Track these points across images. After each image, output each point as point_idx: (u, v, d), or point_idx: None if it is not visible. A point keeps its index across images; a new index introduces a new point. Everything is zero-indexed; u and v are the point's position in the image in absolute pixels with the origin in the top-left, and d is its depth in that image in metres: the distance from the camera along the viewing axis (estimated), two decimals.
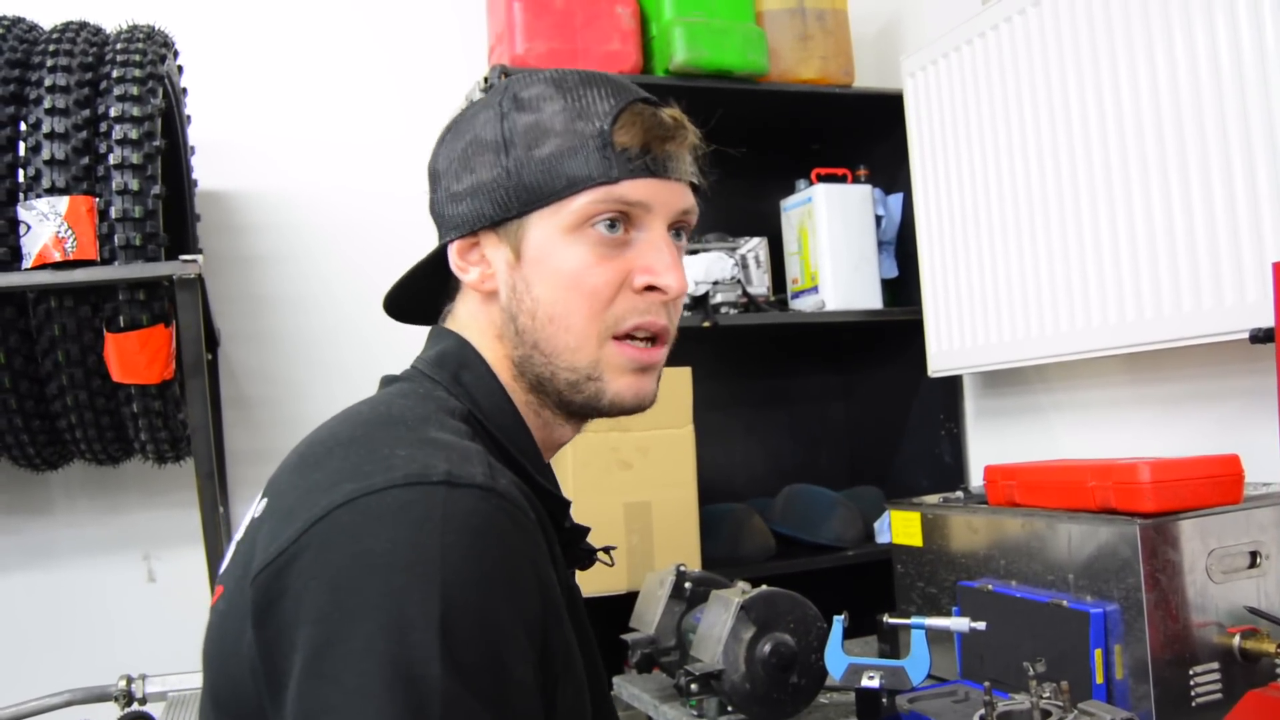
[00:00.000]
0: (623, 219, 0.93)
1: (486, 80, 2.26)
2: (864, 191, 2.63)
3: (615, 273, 0.93)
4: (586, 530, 1.02)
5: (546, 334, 0.93)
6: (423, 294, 1.06)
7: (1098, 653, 1.43)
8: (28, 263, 1.79)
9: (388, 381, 0.99)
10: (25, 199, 1.81)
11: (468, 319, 1.00)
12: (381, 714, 0.67)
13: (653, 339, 0.96)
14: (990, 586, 1.65)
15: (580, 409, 0.98)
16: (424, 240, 1.04)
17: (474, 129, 0.96)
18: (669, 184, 0.94)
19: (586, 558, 1.05)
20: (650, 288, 0.94)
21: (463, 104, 2.24)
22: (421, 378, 0.96)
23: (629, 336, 0.95)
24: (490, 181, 0.94)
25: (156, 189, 1.84)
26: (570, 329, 0.93)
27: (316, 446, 0.85)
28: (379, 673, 0.67)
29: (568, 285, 0.92)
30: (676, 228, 0.97)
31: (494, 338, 0.97)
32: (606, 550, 1.07)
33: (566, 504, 0.95)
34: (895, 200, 2.67)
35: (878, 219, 2.65)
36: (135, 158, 1.83)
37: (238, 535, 0.87)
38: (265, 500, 0.85)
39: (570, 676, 0.84)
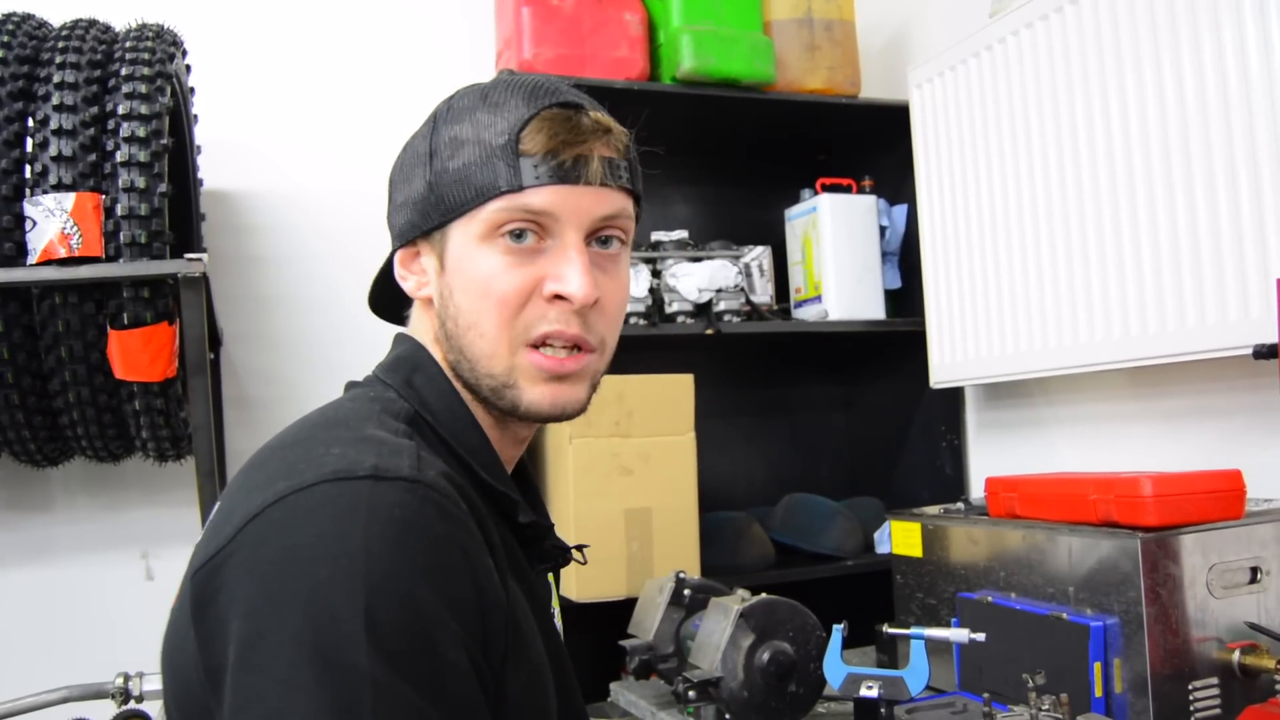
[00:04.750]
0: (533, 227, 0.92)
1: None
2: (869, 202, 2.63)
3: (524, 280, 0.92)
4: (549, 526, 1.03)
5: (466, 340, 0.95)
6: (399, 294, 1.09)
7: (1097, 666, 1.43)
8: (33, 258, 1.79)
9: (350, 387, 1.03)
10: (32, 194, 1.81)
11: (416, 323, 1.04)
12: (311, 702, 0.68)
13: (575, 347, 0.95)
14: (990, 598, 1.64)
15: (504, 414, 0.98)
16: None
17: (414, 141, 1.01)
18: (582, 190, 0.93)
19: (560, 555, 1.06)
20: (558, 296, 0.93)
21: None
22: (377, 382, 0.99)
23: (545, 344, 0.94)
24: (420, 193, 0.97)
25: (163, 187, 1.84)
26: (484, 336, 0.94)
27: (264, 451, 0.88)
28: (308, 663, 0.69)
29: (479, 293, 0.93)
30: (604, 235, 0.97)
31: (432, 342, 1.00)
32: (580, 549, 1.09)
33: (515, 500, 0.96)
34: (900, 211, 2.67)
35: (882, 230, 2.65)
36: (142, 155, 1.83)
37: (198, 540, 0.89)
38: (218, 505, 0.88)
39: (522, 662, 0.85)
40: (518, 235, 0.92)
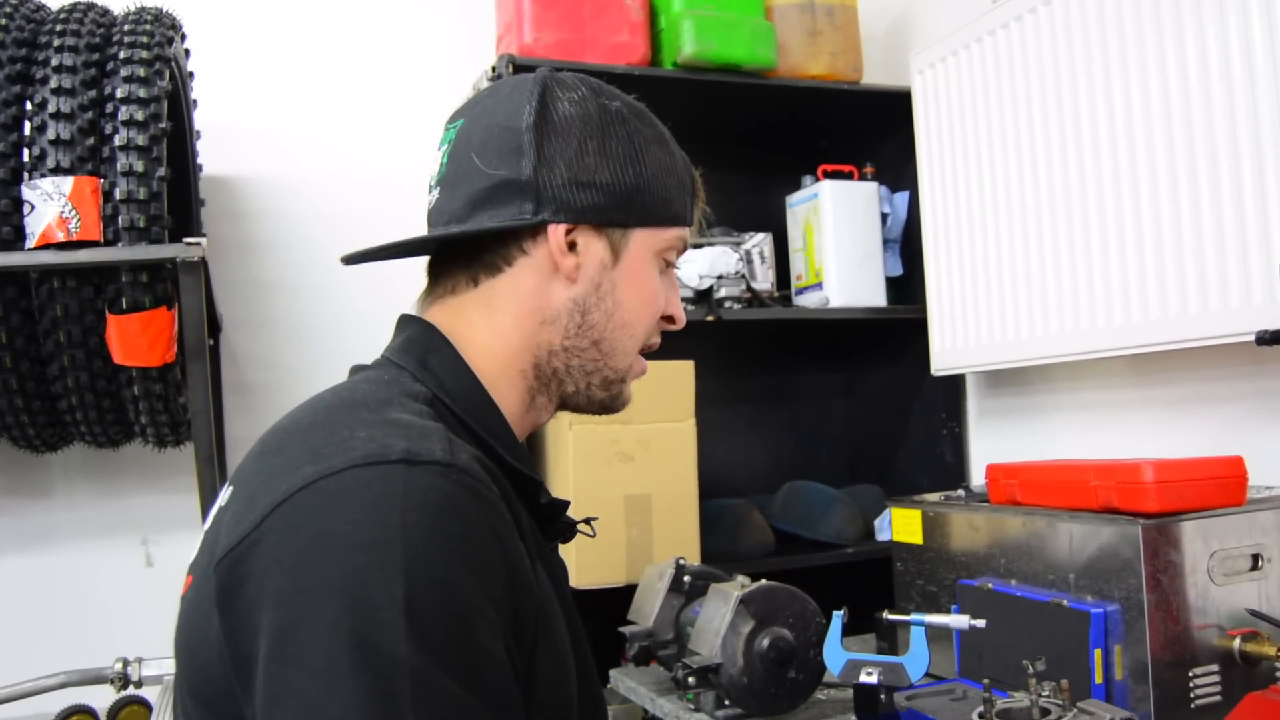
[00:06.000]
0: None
1: (494, 70, 2.26)
2: (870, 189, 2.62)
3: (667, 300, 1.07)
4: (565, 504, 1.03)
5: (615, 336, 1.02)
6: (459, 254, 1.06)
7: (1097, 653, 1.43)
8: (31, 242, 1.79)
9: (357, 370, 1.01)
10: (30, 178, 1.80)
11: (509, 297, 0.99)
12: (350, 694, 0.67)
13: None
14: (990, 585, 1.64)
15: (597, 404, 1.06)
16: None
17: (601, 126, 0.99)
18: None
19: (568, 530, 1.06)
20: (668, 319, 1.07)
21: (470, 93, 2.23)
22: (389, 364, 0.98)
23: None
24: (618, 184, 0.98)
25: (161, 171, 1.83)
26: (634, 337, 1.03)
27: (279, 433, 0.86)
28: (345, 653, 0.68)
29: (647, 300, 1.03)
30: None
31: (537, 321, 0.99)
32: (587, 521, 1.09)
33: (538, 482, 0.96)
34: (901, 198, 2.66)
35: (883, 216, 2.64)
36: (141, 140, 1.82)
37: (206, 525, 0.88)
38: (230, 489, 0.86)
39: (549, 646, 0.85)
40: (669, 264, 1.06)
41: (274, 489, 0.77)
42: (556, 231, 0.97)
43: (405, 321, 1.03)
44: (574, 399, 1.04)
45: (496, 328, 0.99)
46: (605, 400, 1.05)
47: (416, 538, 0.72)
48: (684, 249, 1.07)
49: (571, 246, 0.98)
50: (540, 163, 0.96)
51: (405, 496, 0.74)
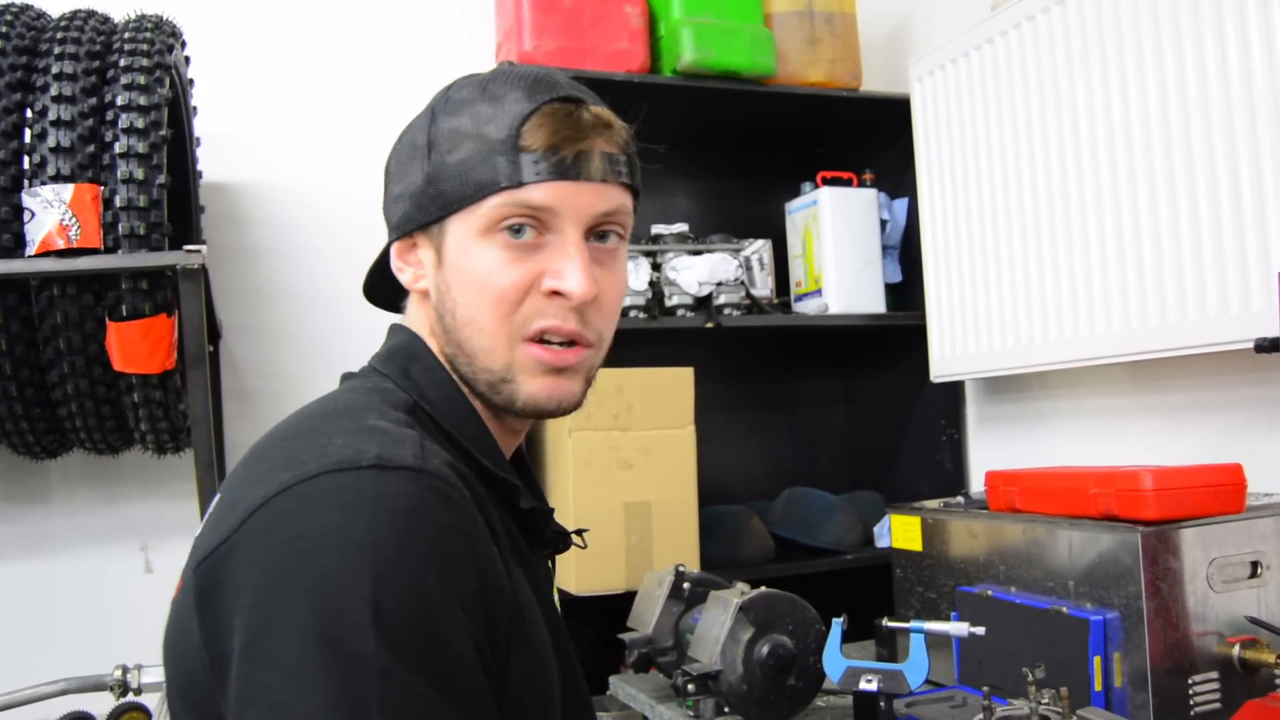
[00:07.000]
0: (532, 223, 0.92)
1: None
2: (869, 195, 2.62)
3: (523, 275, 0.92)
4: (549, 511, 1.03)
5: (464, 335, 0.95)
6: (397, 283, 1.08)
7: (1097, 660, 1.43)
8: (31, 249, 1.79)
9: (346, 378, 1.02)
10: (30, 186, 1.80)
11: (412, 315, 1.03)
12: (320, 693, 0.68)
13: (570, 342, 0.95)
14: (990, 592, 1.64)
15: (501, 409, 0.98)
16: None
17: (411, 132, 1.01)
18: (583, 186, 0.92)
19: (560, 540, 1.06)
20: (555, 292, 0.92)
21: None
22: (374, 373, 0.99)
23: (541, 340, 0.94)
24: (417, 185, 0.96)
25: (162, 179, 1.83)
26: (483, 331, 0.93)
27: (265, 441, 0.88)
28: (316, 653, 0.69)
29: (478, 288, 0.93)
30: (601, 230, 0.96)
31: (429, 334, 1.00)
32: (579, 533, 1.09)
33: (516, 486, 0.96)
34: (900, 205, 2.67)
35: (882, 223, 2.64)
36: (141, 147, 1.82)
37: (197, 532, 0.89)
38: (219, 496, 0.88)
39: (525, 648, 0.86)
40: (517, 231, 0.91)
41: (253, 494, 0.78)
42: (393, 251, 1.01)
43: (393, 330, 1.05)
44: (492, 406, 0.98)
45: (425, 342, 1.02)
46: (502, 404, 0.96)
47: (386, 541, 0.73)
48: (528, 211, 0.91)
49: (417, 260, 1.00)
50: (384, 189, 1.02)
51: (375, 500, 0.75)
